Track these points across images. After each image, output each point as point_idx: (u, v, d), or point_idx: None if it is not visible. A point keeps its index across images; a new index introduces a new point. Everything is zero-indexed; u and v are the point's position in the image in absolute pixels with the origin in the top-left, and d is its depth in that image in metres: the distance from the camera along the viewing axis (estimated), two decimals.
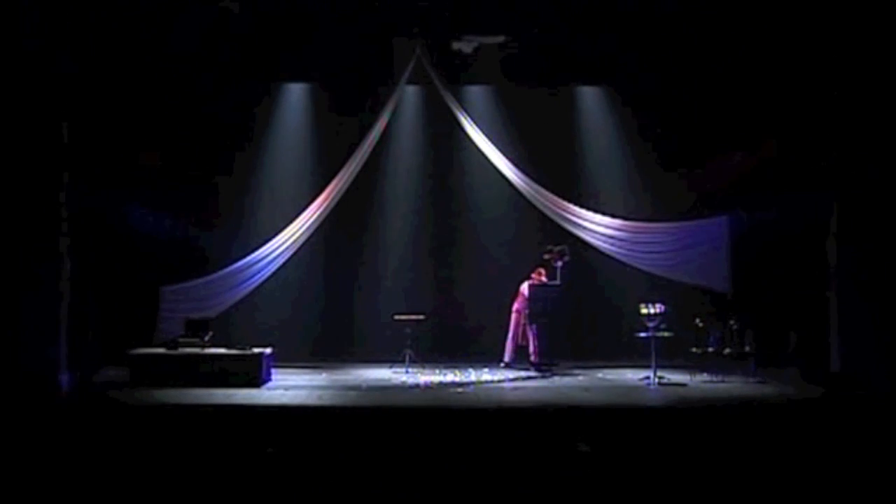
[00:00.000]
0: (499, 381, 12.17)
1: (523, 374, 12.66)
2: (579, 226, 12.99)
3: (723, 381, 11.78)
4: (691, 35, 12.62)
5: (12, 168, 10.53)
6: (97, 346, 11.80)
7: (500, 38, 13.30)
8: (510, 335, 13.27)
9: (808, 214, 12.07)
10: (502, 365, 13.16)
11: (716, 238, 12.53)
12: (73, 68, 11.03)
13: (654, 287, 12.77)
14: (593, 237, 12.98)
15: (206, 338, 11.81)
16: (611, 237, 12.91)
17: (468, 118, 13.17)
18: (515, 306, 13.30)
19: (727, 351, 12.29)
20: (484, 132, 13.19)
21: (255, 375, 11.34)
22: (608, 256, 13.10)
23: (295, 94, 14.49)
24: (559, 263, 13.03)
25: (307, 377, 12.29)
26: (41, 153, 10.72)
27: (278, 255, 12.82)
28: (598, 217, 13.03)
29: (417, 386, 11.78)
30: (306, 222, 12.85)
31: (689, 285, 12.73)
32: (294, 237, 12.83)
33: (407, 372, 12.69)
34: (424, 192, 14.79)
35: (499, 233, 14.66)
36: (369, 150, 13.03)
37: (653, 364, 11.59)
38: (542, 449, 8.85)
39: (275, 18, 12.52)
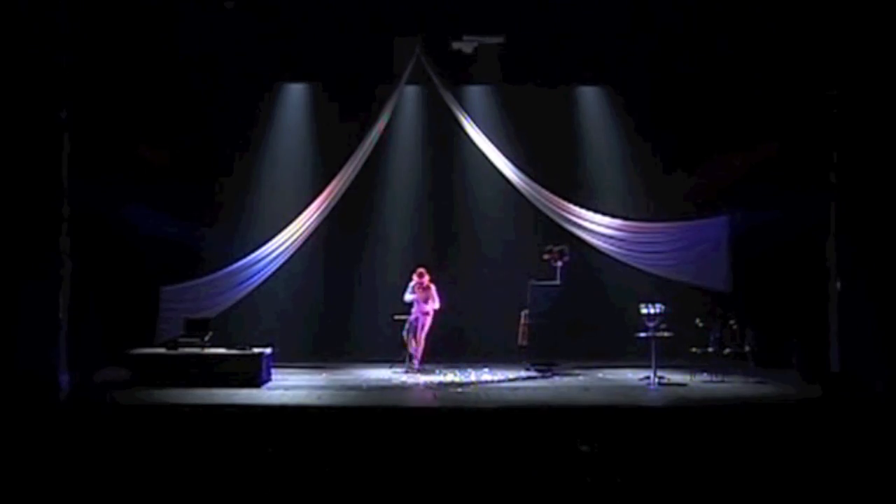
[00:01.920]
0: (499, 381, 12.16)
1: (523, 373, 12.65)
2: (579, 226, 12.98)
3: (723, 381, 11.78)
4: (691, 35, 12.62)
5: (12, 168, 10.52)
6: (97, 346, 11.79)
7: (500, 38, 13.29)
8: (411, 338, 12.89)
9: (808, 214, 12.06)
10: (417, 369, 12.77)
11: (716, 238, 12.53)
12: (74, 67, 11.02)
13: (654, 287, 12.77)
14: (593, 237, 12.97)
15: (206, 338, 11.81)
16: (611, 237, 12.91)
17: (468, 118, 13.17)
18: (419, 310, 12.83)
19: (727, 351, 12.30)
20: (484, 132, 13.19)
21: (255, 375, 11.34)
22: (608, 256, 13.10)
23: (295, 94, 14.49)
24: (559, 263, 13.03)
25: (307, 377, 12.29)
26: (41, 153, 10.71)
27: (278, 255, 12.81)
28: (598, 217, 13.03)
29: (417, 386, 11.78)
30: (306, 222, 12.85)
31: (689, 285, 12.73)
32: (294, 237, 12.83)
33: (407, 372, 12.69)
34: (424, 192, 14.79)
35: (499, 233, 14.66)
36: (369, 149, 13.04)
37: (653, 364, 11.59)
38: (542, 449, 8.85)
39: (275, 18, 12.51)
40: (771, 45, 12.19)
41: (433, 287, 12.88)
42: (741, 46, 12.42)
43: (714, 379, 11.91)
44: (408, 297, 12.81)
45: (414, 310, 12.79)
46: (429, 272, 12.98)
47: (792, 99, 12.32)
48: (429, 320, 12.85)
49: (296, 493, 8.56)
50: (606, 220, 13.01)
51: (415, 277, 12.84)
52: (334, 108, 14.26)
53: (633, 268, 13.00)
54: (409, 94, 14.24)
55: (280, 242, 12.80)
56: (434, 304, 12.86)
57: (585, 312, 14.05)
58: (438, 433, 8.98)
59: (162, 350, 11.65)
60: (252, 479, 8.63)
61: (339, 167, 12.92)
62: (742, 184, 13.23)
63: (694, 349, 12.35)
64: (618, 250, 12.92)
